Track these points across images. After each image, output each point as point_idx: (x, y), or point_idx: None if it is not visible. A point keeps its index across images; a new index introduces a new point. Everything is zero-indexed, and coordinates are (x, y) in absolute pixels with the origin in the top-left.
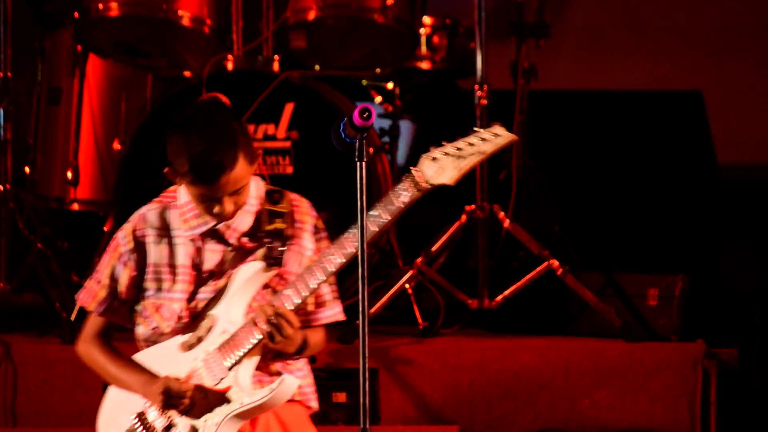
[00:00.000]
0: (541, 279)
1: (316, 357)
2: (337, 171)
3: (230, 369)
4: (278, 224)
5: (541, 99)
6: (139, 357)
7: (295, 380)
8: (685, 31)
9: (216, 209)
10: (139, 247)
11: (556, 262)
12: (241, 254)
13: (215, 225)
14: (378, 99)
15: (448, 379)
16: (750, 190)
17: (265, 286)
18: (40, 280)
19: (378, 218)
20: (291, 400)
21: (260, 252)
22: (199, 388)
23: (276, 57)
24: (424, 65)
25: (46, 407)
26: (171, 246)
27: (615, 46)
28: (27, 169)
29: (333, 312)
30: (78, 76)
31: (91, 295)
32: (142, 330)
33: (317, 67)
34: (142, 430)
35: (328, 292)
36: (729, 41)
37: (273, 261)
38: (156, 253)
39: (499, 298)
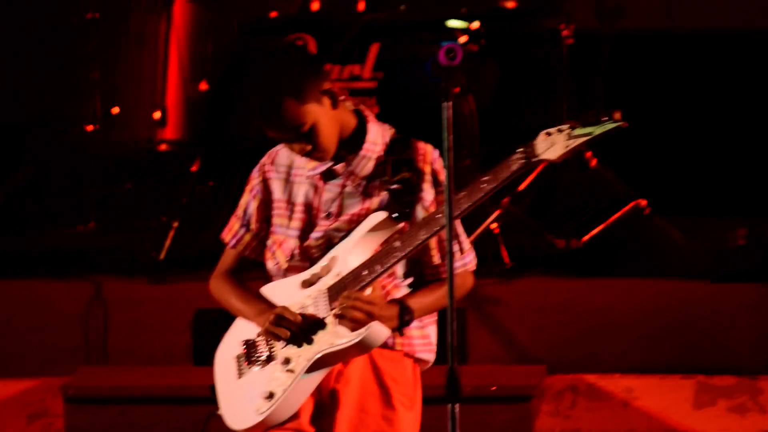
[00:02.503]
0: (628, 219)
1: None
2: (423, 111)
3: (332, 310)
4: (404, 173)
5: (628, 39)
6: (264, 290)
7: (384, 329)
8: None
9: (296, 150)
10: (266, 183)
11: (643, 202)
12: (360, 199)
13: (333, 165)
14: (463, 39)
15: (535, 319)
16: None
17: (389, 239)
18: (129, 220)
19: (487, 183)
20: (394, 349)
21: (386, 203)
22: (303, 323)
23: None
24: (509, 4)
25: (136, 345)
26: (293, 184)
27: None
28: (115, 110)
29: (460, 263)
30: (165, 18)
31: (228, 228)
32: (269, 265)
33: (403, 7)
34: (247, 356)
35: (455, 242)
36: None
37: (403, 213)
38: (279, 189)
39: (586, 237)
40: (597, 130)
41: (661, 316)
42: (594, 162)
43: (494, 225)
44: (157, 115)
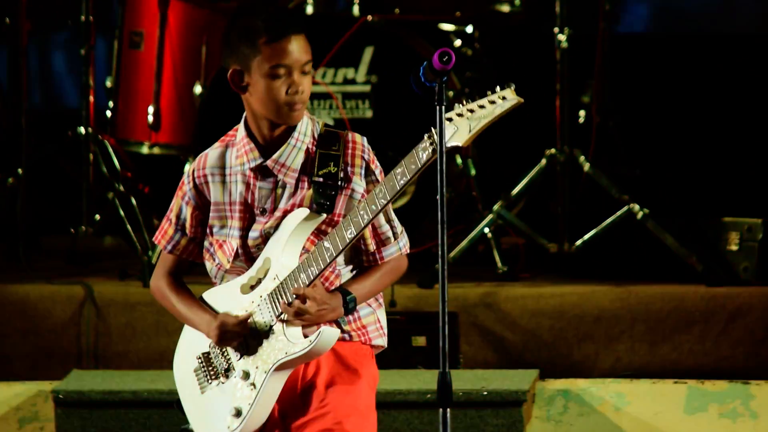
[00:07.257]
0: (621, 223)
1: (396, 301)
2: (417, 115)
3: (278, 317)
4: (330, 168)
5: (625, 42)
6: (206, 296)
7: (334, 331)
8: None
9: (291, 89)
10: (199, 187)
11: (636, 207)
12: (291, 194)
13: (264, 161)
14: (458, 43)
15: (528, 324)
16: None
17: (317, 232)
18: (121, 223)
19: (401, 176)
20: (350, 340)
21: (309, 196)
22: (253, 333)
23: (356, 0)
24: (504, 9)
25: (128, 349)
26: (228, 184)
27: None
28: (109, 113)
29: (395, 248)
30: (159, 20)
31: (162, 233)
32: (209, 266)
33: (397, 10)
34: (205, 370)
35: (388, 229)
36: None
37: (323, 206)
38: (216, 191)
39: (579, 242)
40: (497, 110)
41: (653, 321)
42: (587, 166)
43: (487, 229)
44: (150, 118)
